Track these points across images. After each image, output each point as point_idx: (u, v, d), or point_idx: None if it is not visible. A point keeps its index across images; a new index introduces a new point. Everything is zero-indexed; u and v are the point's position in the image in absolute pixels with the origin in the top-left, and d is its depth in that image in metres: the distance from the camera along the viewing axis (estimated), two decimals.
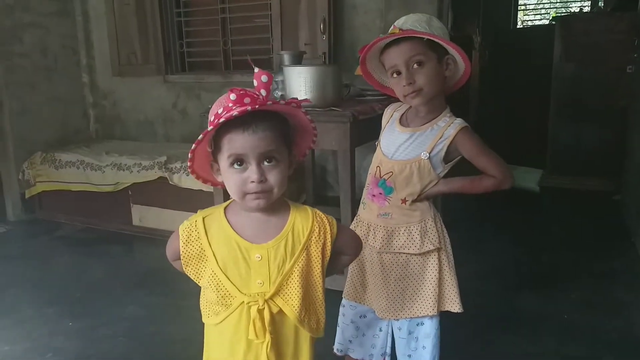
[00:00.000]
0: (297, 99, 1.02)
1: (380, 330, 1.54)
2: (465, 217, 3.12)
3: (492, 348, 1.99)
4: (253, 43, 3.62)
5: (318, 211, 1.06)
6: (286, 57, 2.65)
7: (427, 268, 1.41)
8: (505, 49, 5.33)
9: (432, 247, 1.39)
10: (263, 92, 0.93)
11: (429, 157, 1.37)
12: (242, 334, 0.99)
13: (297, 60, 2.69)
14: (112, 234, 3.39)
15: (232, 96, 0.91)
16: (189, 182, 3.13)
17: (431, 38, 1.33)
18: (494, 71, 4.94)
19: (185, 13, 3.85)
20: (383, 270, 1.44)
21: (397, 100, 1.48)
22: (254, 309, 0.96)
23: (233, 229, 0.99)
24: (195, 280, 1.03)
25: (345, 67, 2.86)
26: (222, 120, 0.91)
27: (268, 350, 0.97)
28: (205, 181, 1.10)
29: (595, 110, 4.10)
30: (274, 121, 0.97)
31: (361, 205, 1.53)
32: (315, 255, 1.02)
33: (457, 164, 1.43)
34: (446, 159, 1.40)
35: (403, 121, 1.47)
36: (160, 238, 3.25)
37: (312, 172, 3.32)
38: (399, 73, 1.36)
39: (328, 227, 1.03)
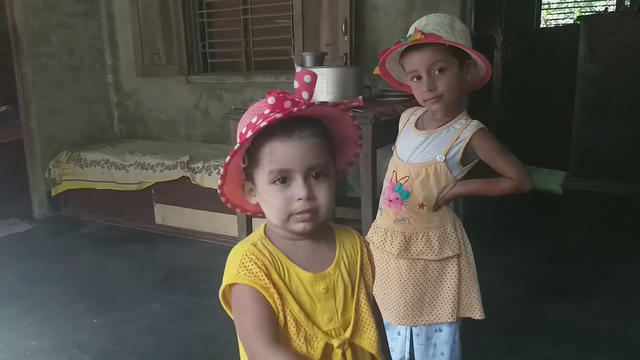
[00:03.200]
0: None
1: (399, 334, 1.53)
2: (487, 221, 3.09)
3: (515, 355, 1.98)
4: (274, 44, 3.65)
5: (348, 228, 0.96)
6: (308, 58, 2.66)
7: (445, 274, 1.40)
8: (528, 49, 5.25)
9: (451, 254, 1.38)
10: (305, 94, 0.79)
11: (445, 160, 1.36)
12: None
13: (319, 61, 2.69)
14: (135, 233, 3.45)
15: (271, 100, 0.77)
16: (211, 182, 3.17)
17: (454, 45, 1.31)
18: (516, 71, 4.88)
19: (208, 14, 3.89)
20: (400, 277, 1.42)
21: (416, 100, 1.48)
22: (337, 353, 0.83)
23: (287, 257, 0.84)
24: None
25: (366, 69, 2.85)
26: (263, 124, 0.76)
27: None
28: (234, 206, 0.93)
29: (620, 112, 4.02)
30: (319, 128, 0.82)
31: (378, 212, 1.52)
32: (368, 278, 0.91)
33: (477, 167, 1.42)
34: (463, 161, 1.38)
35: (419, 124, 1.46)
36: (182, 237, 3.31)
37: None
38: (419, 78, 1.35)
39: (367, 245, 0.95)
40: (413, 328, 1.48)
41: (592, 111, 4.15)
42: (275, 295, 0.80)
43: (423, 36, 1.31)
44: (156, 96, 4.14)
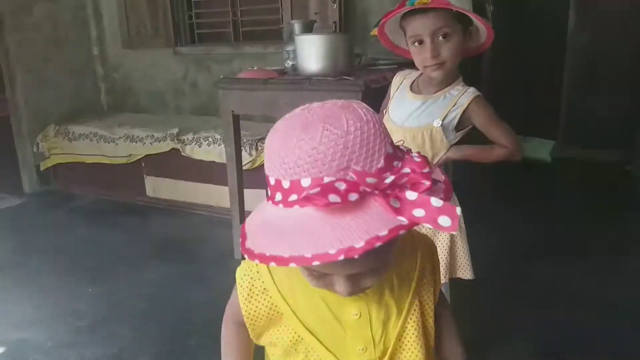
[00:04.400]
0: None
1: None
2: (476, 189, 3.12)
3: (504, 314, 2.03)
4: (262, 13, 3.59)
5: (417, 231, 0.77)
6: (297, 26, 2.62)
7: (438, 236, 1.43)
8: (519, 18, 5.22)
9: None
10: None
11: (442, 125, 1.38)
12: None
13: (308, 30, 2.66)
14: (127, 205, 3.45)
15: None
16: (201, 153, 3.16)
17: (461, 11, 1.30)
18: (506, 40, 4.86)
19: None
20: None
21: (407, 64, 1.47)
22: None
23: None
24: (269, 351, 0.77)
25: (356, 37, 2.83)
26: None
27: None
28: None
29: (608, 80, 4.04)
30: None
31: None
32: (428, 297, 0.75)
33: (469, 135, 1.43)
34: (458, 127, 1.39)
35: (414, 88, 1.46)
36: (174, 209, 3.32)
37: None
38: (421, 42, 1.32)
39: (432, 251, 0.78)
40: None
41: (581, 80, 4.16)
42: (277, 315, 0.72)
43: (430, 0, 1.28)
44: (143, 68, 4.08)
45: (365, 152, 0.52)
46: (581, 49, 4.15)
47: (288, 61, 2.44)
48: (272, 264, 0.52)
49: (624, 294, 2.14)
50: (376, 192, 0.51)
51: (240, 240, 0.58)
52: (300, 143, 0.53)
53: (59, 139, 3.67)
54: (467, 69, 1.50)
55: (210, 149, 3.13)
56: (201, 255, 2.66)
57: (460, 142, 1.44)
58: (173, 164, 3.32)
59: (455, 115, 1.37)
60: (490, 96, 1.50)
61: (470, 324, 1.88)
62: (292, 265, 0.51)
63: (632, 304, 2.07)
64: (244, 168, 2.68)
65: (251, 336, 0.75)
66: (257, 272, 0.71)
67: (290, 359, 0.72)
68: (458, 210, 0.50)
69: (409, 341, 0.72)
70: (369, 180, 0.51)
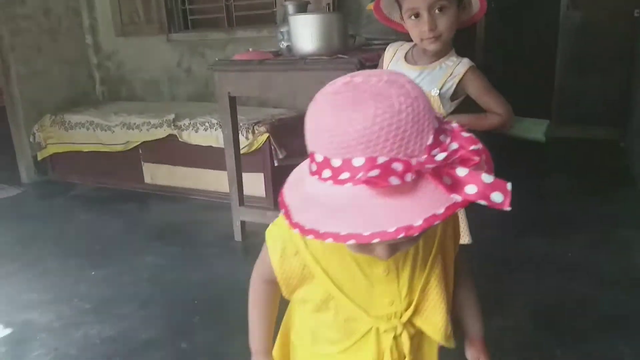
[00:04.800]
0: None
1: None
2: None
3: (500, 282, 2.08)
4: None
5: None
6: (290, 7, 2.63)
7: None
8: None
9: None
10: None
11: (439, 94, 1.40)
12: None
13: (302, 10, 2.67)
14: (125, 193, 3.47)
15: None
16: (198, 139, 3.17)
17: None
18: (499, 20, 4.86)
19: None
20: None
21: (400, 38, 1.49)
22: (388, 336, 0.75)
23: None
24: (300, 307, 0.81)
25: (349, 18, 2.84)
26: None
27: None
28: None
29: (601, 59, 4.07)
30: None
31: None
32: (450, 250, 0.80)
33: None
34: (452, 97, 1.42)
35: (409, 59, 1.48)
36: (173, 195, 3.34)
37: None
38: (417, 16, 1.34)
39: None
40: None
41: (574, 60, 4.19)
42: (309, 274, 0.74)
43: None
44: (137, 56, 4.07)
45: (416, 130, 0.53)
46: (574, 29, 4.17)
47: (283, 42, 2.45)
48: (330, 240, 0.52)
49: (614, 264, 2.18)
50: (428, 170, 0.51)
51: (283, 211, 0.59)
52: (352, 122, 0.53)
53: (55, 128, 3.68)
54: (459, 53, 1.51)
55: (207, 134, 3.14)
56: (201, 239, 2.69)
57: (454, 113, 1.46)
58: (170, 150, 3.33)
59: (451, 84, 1.40)
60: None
61: None
62: (351, 242, 0.51)
63: (621, 272, 2.12)
64: (241, 152, 2.70)
65: (284, 293, 0.78)
66: (290, 236, 0.73)
67: (320, 314, 0.76)
68: (509, 185, 0.51)
69: (431, 293, 0.76)
70: (422, 158, 0.52)
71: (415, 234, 0.50)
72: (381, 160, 0.51)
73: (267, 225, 0.81)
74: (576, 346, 1.67)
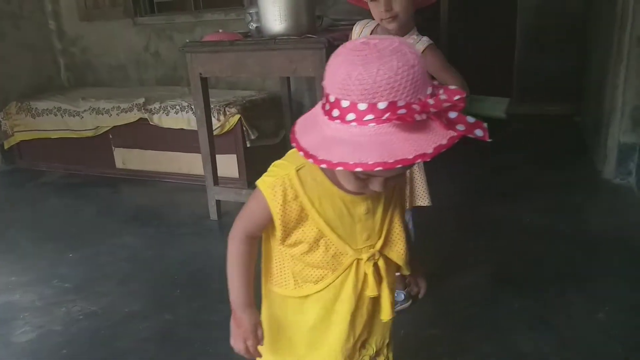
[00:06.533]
0: None
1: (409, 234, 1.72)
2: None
3: (463, 244, 2.24)
4: None
5: None
6: None
7: None
8: None
9: None
10: None
11: None
12: (349, 293, 0.89)
13: None
14: (97, 178, 3.47)
15: None
16: (169, 122, 3.19)
17: None
18: (461, 3, 5.00)
19: None
20: None
21: (366, 16, 1.59)
22: (368, 265, 0.88)
23: (331, 181, 0.84)
24: (283, 250, 0.91)
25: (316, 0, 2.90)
26: None
27: (386, 301, 0.92)
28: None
29: (558, 39, 4.25)
30: None
31: None
32: (403, 202, 0.98)
33: None
34: None
35: None
36: (145, 179, 3.36)
37: (289, 108, 3.41)
38: None
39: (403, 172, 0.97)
40: None
41: (532, 39, 4.37)
42: (305, 216, 0.85)
43: None
44: (103, 41, 4.03)
45: (422, 81, 0.67)
46: (532, 9, 4.34)
47: (252, 23, 2.50)
48: (359, 169, 0.64)
49: (567, 226, 2.36)
50: (433, 112, 0.65)
51: (303, 154, 0.70)
52: (380, 72, 0.65)
53: (22, 115, 3.63)
54: (423, 33, 1.61)
55: (178, 117, 3.17)
56: (176, 219, 2.74)
57: None
58: (141, 135, 3.34)
59: None
60: (448, 58, 1.63)
61: (433, 251, 2.08)
62: (378, 169, 0.64)
63: (574, 233, 2.29)
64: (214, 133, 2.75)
65: (279, 238, 0.88)
66: (290, 182, 0.83)
67: (312, 252, 0.88)
68: (485, 125, 0.66)
69: (395, 226, 0.92)
70: (430, 102, 0.65)
71: (428, 160, 0.65)
72: (401, 103, 0.65)
73: (243, 204, 0.91)
74: (532, 298, 1.82)
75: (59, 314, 1.92)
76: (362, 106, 0.66)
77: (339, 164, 0.65)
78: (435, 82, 0.71)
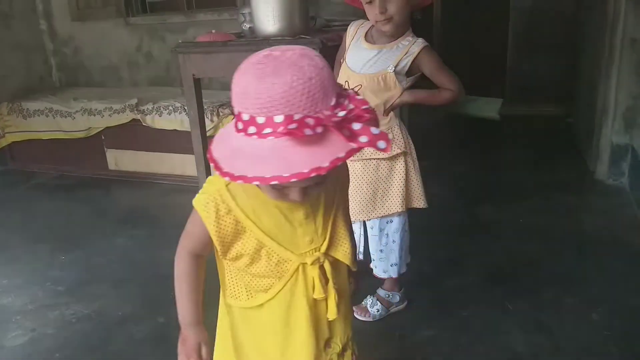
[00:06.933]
0: None
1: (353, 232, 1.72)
2: (431, 142, 3.31)
3: (455, 248, 2.23)
4: None
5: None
6: None
7: (395, 170, 1.58)
8: None
9: (399, 151, 1.56)
10: None
11: (395, 71, 1.51)
12: (301, 298, 0.89)
13: None
14: (89, 180, 3.44)
15: None
16: (162, 122, 3.18)
17: None
18: (455, 7, 5.02)
19: None
20: (355, 177, 1.59)
21: (360, 17, 1.59)
22: (314, 268, 0.88)
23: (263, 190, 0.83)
24: (230, 264, 0.91)
25: (310, 1, 2.90)
26: None
27: (337, 301, 0.91)
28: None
29: (550, 40, 4.28)
30: None
31: None
32: (345, 185, 0.97)
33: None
34: (408, 73, 1.54)
35: (369, 38, 1.59)
36: (138, 180, 3.34)
37: None
38: (371, 1, 1.47)
39: (345, 178, 0.99)
40: (367, 222, 1.65)
41: (524, 40, 4.39)
42: (241, 229, 0.85)
43: None
44: (95, 41, 4.01)
45: (322, 93, 0.66)
46: (524, 10, 4.36)
47: (245, 24, 2.50)
48: (256, 182, 0.65)
49: (559, 227, 2.37)
50: (332, 124, 0.65)
51: (213, 165, 0.69)
52: (274, 87, 0.65)
53: (13, 116, 3.59)
54: (417, 34, 1.61)
55: (171, 118, 3.16)
56: (169, 221, 2.71)
57: (411, 89, 1.58)
58: (134, 136, 3.32)
59: (406, 62, 1.52)
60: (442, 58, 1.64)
61: (427, 251, 2.08)
62: (274, 183, 0.64)
63: (566, 234, 2.30)
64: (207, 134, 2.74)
65: (220, 254, 0.88)
66: (221, 197, 0.83)
67: (255, 263, 0.87)
68: (390, 135, 0.66)
69: (338, 226, 0.92)
70: (327, 114, 0.66)
71: (323, 173, 0.64)
72: (297, 116, 0.65)
73: None
74: (526, 298, 1.83)
75: (52, 317, 1.90)
76: (260, 120, 0.66)
77: (239, 177, 0.66)
78: (348, 92, 0.71)
